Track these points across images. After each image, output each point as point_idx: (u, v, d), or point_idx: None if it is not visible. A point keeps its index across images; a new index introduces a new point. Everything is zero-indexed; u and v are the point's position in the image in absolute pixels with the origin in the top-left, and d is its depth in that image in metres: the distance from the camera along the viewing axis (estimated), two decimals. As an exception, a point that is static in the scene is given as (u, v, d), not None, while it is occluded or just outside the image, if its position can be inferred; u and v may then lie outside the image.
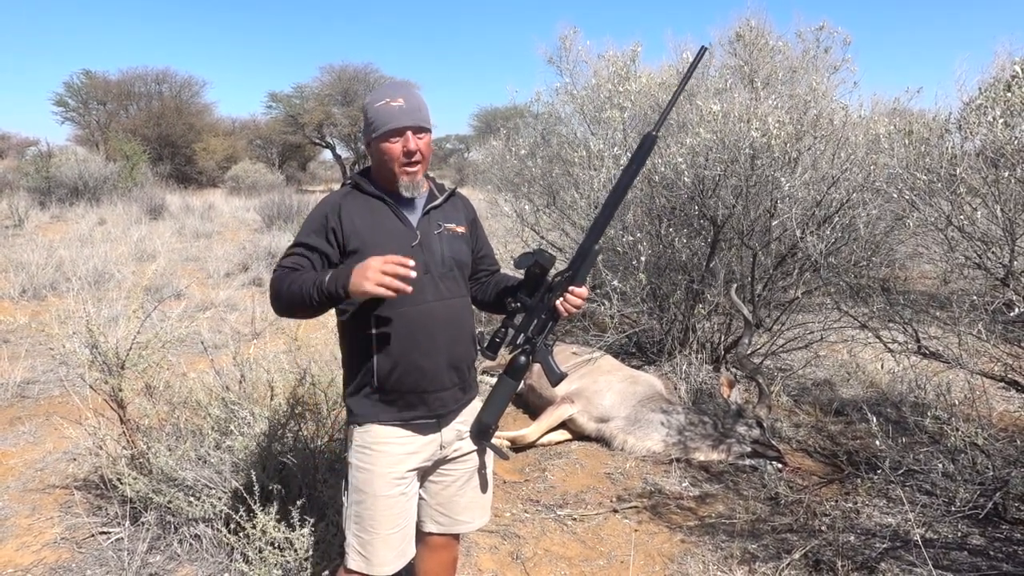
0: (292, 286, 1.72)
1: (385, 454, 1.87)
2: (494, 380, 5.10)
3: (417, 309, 1.83)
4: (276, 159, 34.12)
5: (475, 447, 2.04)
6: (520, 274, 1.95)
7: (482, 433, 1.96)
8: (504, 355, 1.98)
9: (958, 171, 2.95)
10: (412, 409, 1.87)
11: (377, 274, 1.58)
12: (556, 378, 1.96)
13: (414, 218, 1.89)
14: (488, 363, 4.77)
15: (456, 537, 2.13)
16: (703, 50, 1.95)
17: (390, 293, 1.59)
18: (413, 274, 1.60)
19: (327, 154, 36.87)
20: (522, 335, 1.93)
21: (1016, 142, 2.78)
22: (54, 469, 3.62)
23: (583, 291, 1.89)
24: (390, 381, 1.85)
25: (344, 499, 1.95)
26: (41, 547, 2.92)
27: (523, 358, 1.93)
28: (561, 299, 1.88)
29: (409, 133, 1.81)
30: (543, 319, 1.92)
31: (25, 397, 4.74)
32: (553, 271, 1.93)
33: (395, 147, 1.82)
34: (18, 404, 4.61)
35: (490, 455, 2.10)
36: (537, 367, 4.79)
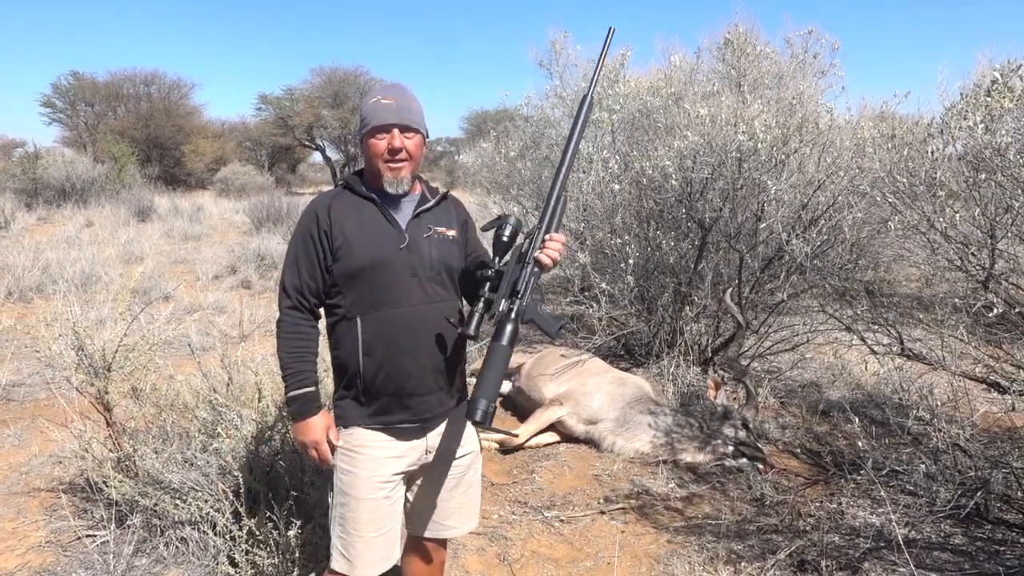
0: (281, 357, 1.91)
1: (369, 457, 1.87)
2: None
3: (403, 312, 1.83)
4: (266, 161, 33.95)
5: (465, 452, 2.03)
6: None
7: (483, 416, 1.71)
8: (489, 328, 1.85)
9: (939, 175, 3.00)
10: (396, 413, 1.88)
11: (316, 450, 1.89)
12: (553, 328, 1.84)
13: (403, 220, 1.89)
14: (476, 366, 4.77)
15: (443, 541, 2.14)
16: (611, 31, 2.03)
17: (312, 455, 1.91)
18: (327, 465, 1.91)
19: (317, 156, 36.74)
20: (503, 301, 1.80)
21: (996, 146, 2.82)
22: (39, 472, 3.60)
23: (560, 236, 1.87)
24: (375, 384, 1.85)
25: (330, 500, 1.95)
26: (26, 550, 2.90)
27: (510, 325, 1.79)
28: (541, 250, 1.84)
29: (396, 131, 1.83)
30: (525, 275, 1.83)
31: (10, 400, 4.70)
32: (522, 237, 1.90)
33: (381, 143, 1.84)
34: (3, 407, 4.58)
35: (478, 459, 2.09)
36: (526, 369, 4.77)
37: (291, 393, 1.87)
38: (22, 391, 4.86)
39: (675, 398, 4.46)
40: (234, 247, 10.65)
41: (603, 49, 2.04)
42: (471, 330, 1.78)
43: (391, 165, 1.85)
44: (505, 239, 1.85)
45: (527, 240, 1.87)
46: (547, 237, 1.85)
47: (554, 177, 1.91)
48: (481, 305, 1.80)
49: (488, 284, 1.83)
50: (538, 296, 1.88)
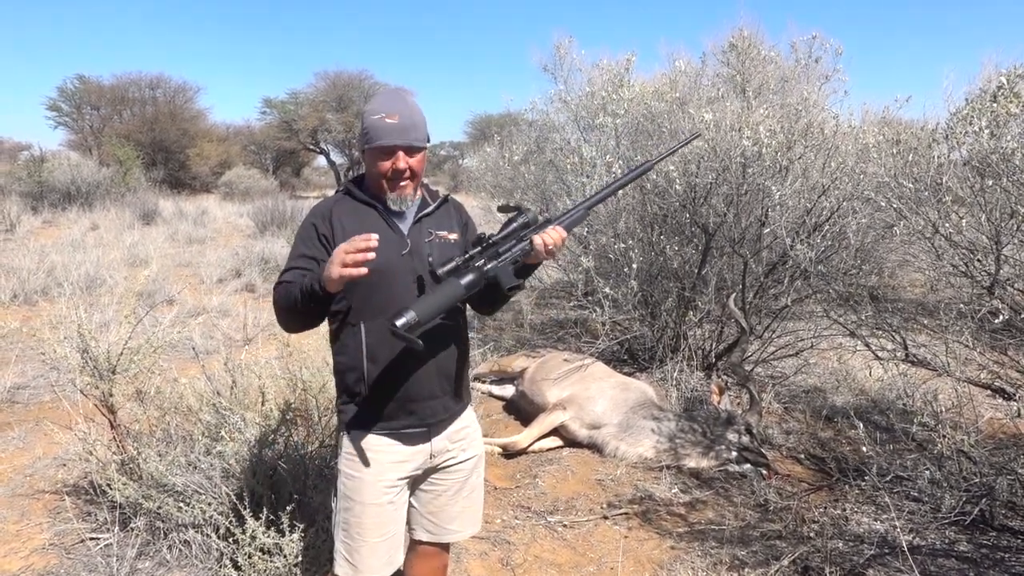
0: (286, 296, 1.78)
1: (374, 462, 1.87)
2: (488, 387, 5.07)
3: None
4: (270, 165, 34.00)
5: (468, 456, 2.02)
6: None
7: (404, 325, 1.62)
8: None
9: (945, 180, 2.99)
10: (401, 418, 1.87)
11: (341, 256, 1.59)
12: (508, 282, 1.82)
13: (405, 226, 1.89)
14: (480, 370, 4.77)
15: (446, 546, 2.14)
16: (696, 137, 2.35)
17: (360, 271, 1.58)
18: (374, 244, 1.58)
19: (321, 160, 36.87)
20: (482, 259, 1.82)
21: (1001, 152, 2.82)
22: (43, 475, 3.60)
23: (562, 231, 1.87)
24: (380, 389, 1.85)
25: (333, 505, 1.95)
26: (30, 553, 2.91)
27: (474, 273, 1.78)
28: (540, 233, 1.84)
29: (400, 153, 1.82)
30: (513, 246, 1.85)
31: (15, 402, 4.72)
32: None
33: (385, 164, 1.83)
34: (8, 409, 4.59)
35: (481, 463, 2.09)
36: (529, 373, 4.77)
37: (312, 286, 1.69)
38: (27, 393, 4.88)
39: (678, 403, 4.45)
40: (238, 250, 10.68)
41: (679, 145, 2.34)
42: (440, 269, 1.76)
43: (397, 184, 1.85)
44: (514, 227, 1.86)
45: (533, 225, 1.88)
46: (552, 227, 1.87)
47: (592, 194, 2.06)
48: (461, 257, 1.79)
49: (479, 247, 1.83)
50: (517, 265, 1.86)
